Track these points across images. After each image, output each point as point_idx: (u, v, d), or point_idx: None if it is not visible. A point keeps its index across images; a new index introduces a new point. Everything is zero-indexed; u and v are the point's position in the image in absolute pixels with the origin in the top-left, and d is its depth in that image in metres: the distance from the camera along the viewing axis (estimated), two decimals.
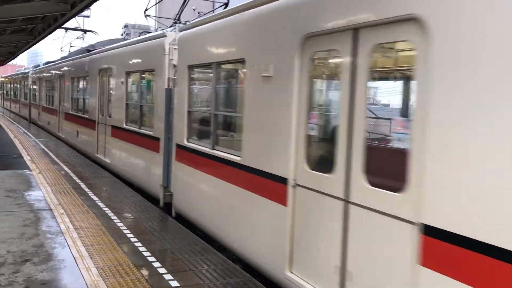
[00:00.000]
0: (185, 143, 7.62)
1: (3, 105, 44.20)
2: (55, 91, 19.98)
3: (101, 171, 11.88)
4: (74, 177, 10.88)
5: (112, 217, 7.59)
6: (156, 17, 13.87)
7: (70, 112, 17.02)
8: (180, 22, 10.13)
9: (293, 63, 4.84)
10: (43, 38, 18.38)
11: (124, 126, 10.93)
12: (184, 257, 5.93)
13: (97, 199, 8.80)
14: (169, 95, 8.32)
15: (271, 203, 5.25)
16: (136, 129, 10.15)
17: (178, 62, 8.09)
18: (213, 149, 6.77)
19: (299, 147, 4.82)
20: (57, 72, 19.59)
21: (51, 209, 7.86)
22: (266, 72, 5.32)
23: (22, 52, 28.02)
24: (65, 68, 18.04)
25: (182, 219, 7.81)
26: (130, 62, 10.75)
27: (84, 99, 15.30)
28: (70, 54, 19.64)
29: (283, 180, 5.01)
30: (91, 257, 5.73)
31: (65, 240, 6.33)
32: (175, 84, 8.18)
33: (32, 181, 10.10)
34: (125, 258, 5.79)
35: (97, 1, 11.65)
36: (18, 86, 33.61)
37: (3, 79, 45.00)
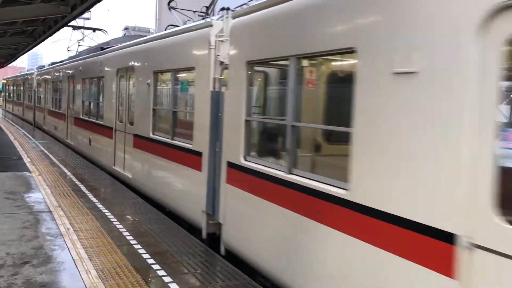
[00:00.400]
0: (242, 162, 5.88)
1: (5, 107, 42.82)
2: (63, 93, 18.18)
3: (100, 173, 11.88)
4: (74, 179, 10.88)
5: (112, 219, 7.58)
6: (182, 9, 12.02)
7: (81, 117, 15.13)
8: (207, 16, 8.87)
9: (465, 52, 3.10)
10: (44, 40, 18.44)
11: (151, 135, 9.08)
12: (184, 260, 5.93)
13: (96, 201, 8.80)
14: (216, 99, 6.65)
15: (416, 268, 3.40)
16: (168, 140, 8.32)
17: (231, 57, 6.36)
18: (291, 173, 4.98)
19: (480, 186, 3.01)
20: (66, 72, 17.84)
21: (51, 211, 7.85)
22: (405, 65, 3.56)
23: (22, 54, 28.04)
24: (75, 69, 16.28)
25: (229, 254, 6.25)
26: (160, 60, 8.98)
27: (98, 103, 13.56)
28: (80, 53, 17.84)
29: (443, 236, 3.22)
30: (90, 259, 5.73)
31: (65, 242, 6.33)
32: (222, 86, 6.71)
33: (32, 183, 10.10)
34: (124, 260, 5.78)
35: (98, 3, 11.67)
36: (22, 88, 31.81)
37: (4, 81, 43.62)
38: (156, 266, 5.64)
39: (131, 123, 10.46)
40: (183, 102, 8.74)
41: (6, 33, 16.94)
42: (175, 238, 6.77)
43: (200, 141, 7.06)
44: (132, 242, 6.51)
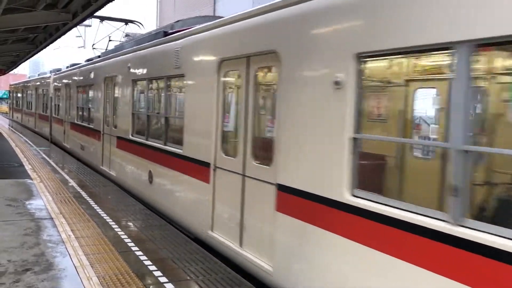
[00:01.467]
0: None
1: (13, 117, 38.09)
2: (96, 102, 13.55)
3: (101, 178, 11.83)
4: (75, 185, 10.88)
5: (113, 226, 7.58)
6: None
7: (131, 137, 10.45)
8: None
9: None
10: (45, 47, 18.56)
11: (350, 200, 4.18)
12: (185, 266, 5.92)
13: (98, 208, 8.80)
14: None
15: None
16: (412, 217, 3.60)
17: None
18: None
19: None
20: (101, 74, 13.16)
21: (52, 218, 7.86)
22: None
23: (23, 61, 28.19)
24: (119, 67, 11.50)
25: None
26: (383, 29, 3.92)
27: (167, 119, 8.73)
28: (122, 46, 12.73)
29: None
30: (92, 266, 5.73)
31: (66, 249, 6.33)
32: None
33: (33, 190, 10.11)
34: (126, 267, 5.78)
35: (99, 10, 11.74)
36: (34, 95, 27.08)
37: (12, 87, 39.54)
38: (157, 273, 5.63)
39: (263, 160, 5.76)
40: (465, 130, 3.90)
41: (7, 41, 17.04)
42: (176, 245, 6.76)
43: None
44: (134, 248, 6.51)
